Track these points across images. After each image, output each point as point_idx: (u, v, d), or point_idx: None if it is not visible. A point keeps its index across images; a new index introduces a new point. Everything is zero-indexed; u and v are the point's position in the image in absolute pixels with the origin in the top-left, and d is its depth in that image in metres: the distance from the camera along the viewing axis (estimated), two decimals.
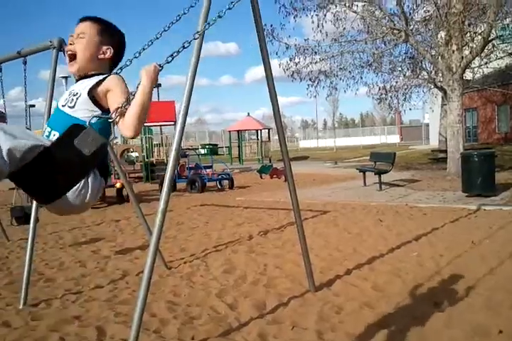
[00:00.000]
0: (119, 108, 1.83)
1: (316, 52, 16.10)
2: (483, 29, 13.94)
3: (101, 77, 1.95)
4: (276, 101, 4.19)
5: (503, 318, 3.69)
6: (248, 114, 32.81)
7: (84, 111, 1.88)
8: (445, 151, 16.26)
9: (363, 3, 14.94)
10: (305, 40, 16.38)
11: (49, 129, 1.92)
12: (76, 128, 1.74)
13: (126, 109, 1.82)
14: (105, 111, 1.90)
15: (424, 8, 15.62)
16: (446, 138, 16.38)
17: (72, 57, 1.97)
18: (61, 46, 4.89)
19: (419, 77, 18.22)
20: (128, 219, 9.49)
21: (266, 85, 4.16)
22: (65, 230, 8.63)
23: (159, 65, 2.00)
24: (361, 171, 13.89)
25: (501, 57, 17.38)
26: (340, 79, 16.87)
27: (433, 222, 7.69)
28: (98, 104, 1.91)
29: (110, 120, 1.85)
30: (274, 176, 17.78)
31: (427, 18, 15.42)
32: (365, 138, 52.66)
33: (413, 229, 7.24)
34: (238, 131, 32.22)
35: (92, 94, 1.90)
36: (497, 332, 3.46)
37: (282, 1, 15.62)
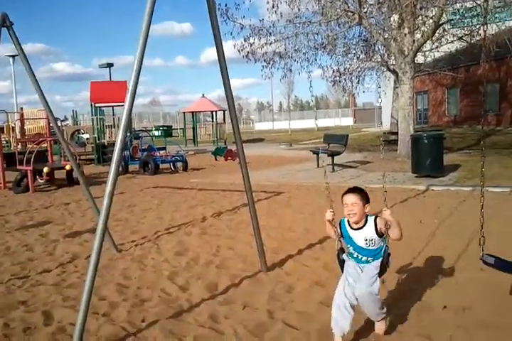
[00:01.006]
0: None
1: (270, 33, 15.97)
2: (434, 13, 14.15)
3: (372, 223, 3.20)
4: (229, 82, 4.13)
5: (449, 294, 3.81)
6: (203, 95, 32.42)
7: (378, 243, 3.22)
8: (396, 133, 16.58)
9: None
10: (260, 20, 16.20)
11: (360, 256, 3.24)
12: (386, 255, 3.25)
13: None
14: (381, 236, 3.22)
15: None
16: (397, 121, 16.70)
17: (353, 214, 3.19)
18: (4, 21, 4.66)
19: (373, 59, 18.42)
20: (78, 202, 9.28)
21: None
22: (11, 214, 8.37)
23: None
24: (315, 153, 14.01)
25: (452, 42, 17.72)
26: (295, 60, 16.86)
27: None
28: (381, 235, 3.21)
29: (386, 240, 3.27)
30: (229, 158, 17.73)
31: (380, 1, 15.51)
32: (319, 121, 53.06)
33: None
34: (193, 112, 31.84)
35: (378, 235, 3.19)
36: (442, 307, 3.57)
37: None
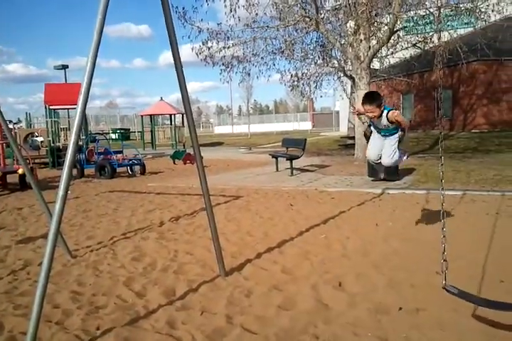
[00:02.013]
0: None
1: (229, 37, 16.00)
2: (389, 20, 14.48)
3: (385, 115, 4.90)
4: (185, 85, 4.08)
5: (403, 296, 3.88)
6: (161, 98, 32.14)
7: (392, 126, 4.92)
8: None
9: None
10: (218, 24, 16.21)
11: (383, 133, 5.12)
12: (403, 129, 5.12)
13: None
14: (393, 123, 4.97)
15: None
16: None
17: (372, 116, 4.95)
18: None
19: (330, 65, 18.68)
20: (31, 207, 9.00)
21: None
22: None
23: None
24: (274, 157, 14.08)
25: (406, 48, 18.18)
26: (253, 65, 16.93)
27: (340, 206, 7.95)
28: (392, 122, 4.94)
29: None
30: (188, 162, 17.62)
31: (336, 7, 15.76)
32: (278, 125, 53.43)
33: (322, 212, 7.44)
34: (151, 115, 31.52)
35: (389, 121, 4.93)
36: (397, 309, 3.63)
37: None
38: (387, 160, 5.09)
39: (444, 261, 3.45)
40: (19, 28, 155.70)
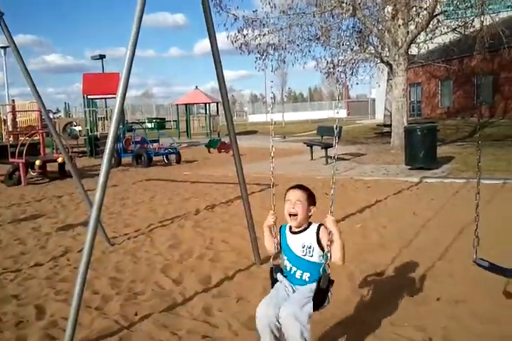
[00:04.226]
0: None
1: (264, 25, 15.87)
2: (428, 4, 14.11)
3: (314, 229, 2.76)
4: (222, 74, 4.08)
5: (442, 286, 3.82)
6: (196, 87, 32.24)
7: (317, 256, 2.72)
8: (390, 125, 16.58)
9: None
10: (253, 11, 16.09)
11: (295, 269, 2.77)
12: (324, 276, 2.65)
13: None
14: (322, 249, 2.71)
15: None
16: (391, 113, 16.69)
17: (294, 214, 2.78)
18: None
19: (366, 51, 18.34)
20: (70, 195, 9.21)
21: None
22: (3, 207, 8.30)
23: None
24: (308, 145, 13.99)
25: (445, 33, 17.67)
26: (289, 52, 16.78)
27: (377, 195, 7.85)
28: (321, 248, 2.71)
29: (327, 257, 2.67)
30: (222, 150, 17.69)
31: None
32: (313, 113, 52.97)
33: (358, 201, 7.37)
34: (186, 104, 31.69)
35: (319, 244, 2.71)
36: (435, 299, 3.58)
37: None
38: (285, 309, 2.54)
39: (476, 237, 3.46)
40: (57, 19, 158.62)
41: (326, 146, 12.83)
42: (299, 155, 15.09)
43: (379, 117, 33.25)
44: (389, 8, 15.02)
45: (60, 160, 11.46)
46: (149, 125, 30.00)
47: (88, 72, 22.69)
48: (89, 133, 18.89)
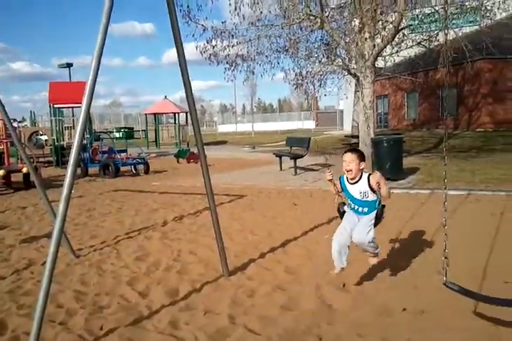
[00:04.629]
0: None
1: (233, 36, 15.94)
2: (394, 18, 14.42)
3: (365, 179, 3.84)
4: (190, 84, 4.07)
5: (407, 297, 3.86)
6: (165, 96, 32.12)
7: (371, 197, 3.86)
8: (357, 137, 16.79)
9: None
10: (222, 22, 16.16)
11: (357, 206, 3.94)
12: (379, 209, 3.91)
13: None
14: (374, 192, 3.85)
15: None
16: (358, 124, 16.92)
17: (350, 170, 3.85)
18: None
19: (334, 63, 18.60)
20: (35, 206, 9.01)
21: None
22: None
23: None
24: (277, 156, 14.06)
25: (411, 46, 18.08)
26: (258, 63, 16.88)
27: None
28: (373, 191, 3.84)
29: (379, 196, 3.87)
30: (191, 160, 17.61)
31: (341, 5, 15.72)
32: (282, 124, 53.32)
33: (326, 212, 7.40)
34: (155, 114, 31.49)
35: (371, 188, 3.83)
36: (401, 310, 3.61)
37: None
38: (358, 238, 3.86)
39: (445, 258, 3.46)
40: (24, 26, 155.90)
41: (295, 157, 12.92)
42: (268, 166, 15.13)
43: (347, 128, 33.69)
44: (356, 22, 15.29)
45: (24, 170, 11.21)
46: (117, 134, 29.72)
47: (55, 80, 22.31)
48: (56, 143, 18.58)
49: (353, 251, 4.10)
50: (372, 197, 3.86)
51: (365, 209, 3.92)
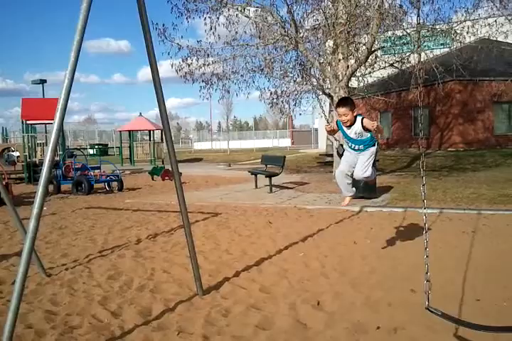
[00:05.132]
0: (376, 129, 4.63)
1: (208, 55, 16.02)
2: (367, 40, 14.73)
3: (359, 122, 4.73)
4: (164, 102, 4.09)
5: (381, 315, 3.88)
6: (140, 114, 32.06)
7: (366, 135, 4.75)
8: (332, 155, 16.96)
9: (256, 9, 15.15)
10: (198, 41, 16.26)
11: (354, 145, 4.86)
12: (377, 143, 4.94)
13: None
14: (367, 131, 4.72)
15: (314, 17, 16.16)
16: (332, 143, 17.09)
17: (346, 121, 4.72)
18: None
19: (309, 83, 18.84)
20: (5, 224, 8.81)
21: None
22: None
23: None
24: (253, 174, 14.10)
25: (384, 67, 18.45)
26: (233, 82, 16.96)
27: (319, 223, 7.97)
28: (367, 130, 4.71)
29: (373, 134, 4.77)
30: (166, 178, 17.51)
31: (315, 26, 15.98)
32: (258, 141, 53.63)
33: (300, 230, 7.44)
34: (129, 131, 31.34)
35: (364, 128, 4.70)
36: (375, 328, 3.63)
37: (175, 1, 15.40)
38: (359, 174, 4.86)
39: (427, 281, 3.30)
40: None
41: (270, 175, 12.97)
42: (243, 184, 15.14)
43: (322, 147, 33.98)
44: (330, 43, 15.56)
45: None
46: (91, 151, 29.45)
47: (28, 96, 22.11)
48: (28, 159, 18.31)
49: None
50: (366, 135, 4.74)
51: (361, 147, 4.84)
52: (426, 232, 3.62)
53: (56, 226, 8.49)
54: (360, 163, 4.85)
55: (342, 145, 4.95)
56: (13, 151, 22.40)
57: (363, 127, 4.66)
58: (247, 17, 15.33)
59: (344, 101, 4.76)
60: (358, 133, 4.73)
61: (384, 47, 16.86)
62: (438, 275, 4.73)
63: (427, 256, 3.48)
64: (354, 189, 5.05)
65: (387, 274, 4.99)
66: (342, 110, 4.66)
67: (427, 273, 3.38)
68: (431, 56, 16.64)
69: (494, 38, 17.00)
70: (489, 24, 16.20)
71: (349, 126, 4.75)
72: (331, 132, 5.01)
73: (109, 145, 36.63)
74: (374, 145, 4.92)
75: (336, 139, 5.17)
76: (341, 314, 3.93)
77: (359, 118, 4.70)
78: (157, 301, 4.37)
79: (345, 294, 4.43)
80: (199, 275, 4.52)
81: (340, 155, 4.97)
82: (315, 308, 4.10)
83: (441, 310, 3.26)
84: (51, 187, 14.03)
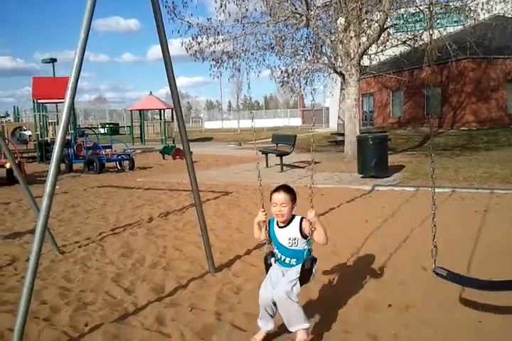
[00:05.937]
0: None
1: (219, 33, 15.90)
2: (379, 17, 14.49)
3: (297, 223, 3.17)
4: (174, 81, 4.06)
5: (393, 293, 3.89)
6: (151, 92, 31.99)
7: (301, 246, 3.15)
8: (343, 134, 16.87)
9: None
10: (208, 19, 16.11)
11: (284, 257, 3.20)
12: (308, 259, 3.12)
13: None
14: (305, 237, 3.15)
15: None
16: (344, 122, 16.99)
17: (281, 215, 3.16)
18: None
19: (320, 61, 18.62)
20: (19, 202, 8.91)
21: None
22: None
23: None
24: (263, 153, 14.06)
25: (396, 45, 18.21)
26: (244, 60, 16.85)
27: (330, 202, 7.96)
28: (305, 237, 3.15)
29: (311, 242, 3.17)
30: (177, 157, 17.56)
31: (327, 3, 15.74)
32: (268, 121, 53.37)
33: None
34: (140, 110, 31.34)
35: (302, 235, 3.14)
36: (387, 305, 3.64)
37: None
38: (276, 293, 3.03)
39: (434, 247, 3.37)
40: (6, 20, 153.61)
41: (281, 154, 12.93)
42: (254, 163, 15.12)
43: (333, 126, 33.80)
44: (341, 20, 15.33)
45: (7, 165, 11.08)
46: (102, 130, 29.49)
47: (38, 75, 22.11)
48: (40, 138, 18.40)
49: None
50: (301, 245, 3.14)
51: (293, 261, 3.18)
52: (433, 202, 3.58)
53: (68, 205, 8.56)
54: (284, 280, 3.12)
55: (273, 252, 3.27)
56: (25, 130, 22.51)
57: (301, 231, 3.13)
58: None
59: (286, 188, 3.27)
60: (292, 240, 3.15)
61: (396, 24, 16.60)
62: (449, 253, 4.73)
63: (434, 225, 3.46)
64: (273, 326, 3.15)
65: (399, 252, 4.99)
66: (280, 198, 3.18)
67: (433, 239, 3.39)
68: (444, 34, 16.36)
69: (509, 15, 16.67)
70: (504, 0, 15.86)
71: (282, 227, 3.21)
72: (258, 229, 3.35)
73: (120, 125, 36.68)
74: (309, 264, 3.12)
75: (266, 238, 3.05)
76: (352, 292, 3.95)
77: (297, 219, 3.19)
78: (169, 278, 4.42)
79: (357, 272, 4.45)
80: (211, 254, 4.55)
81: (268, 267, 3.30)
82: (326, 286, 4.12)
83: (448, 270, 3.34)
84: (63, 166, 14.12)
